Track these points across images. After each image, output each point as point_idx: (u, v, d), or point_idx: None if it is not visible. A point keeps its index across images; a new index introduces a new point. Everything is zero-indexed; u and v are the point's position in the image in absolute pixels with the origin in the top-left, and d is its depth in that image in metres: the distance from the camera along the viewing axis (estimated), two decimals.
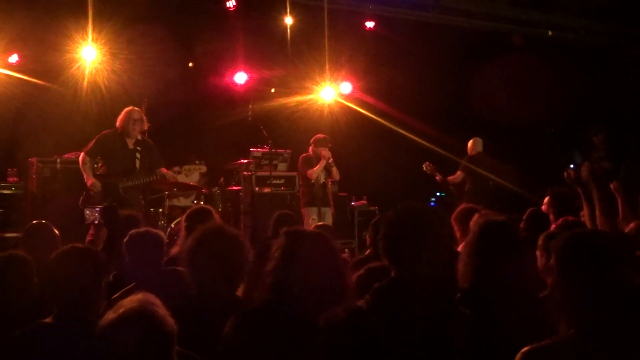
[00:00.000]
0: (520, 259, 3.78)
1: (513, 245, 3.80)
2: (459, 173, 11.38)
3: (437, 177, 11.40)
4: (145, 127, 8.88)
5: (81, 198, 8.45)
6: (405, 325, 3.06)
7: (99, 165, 8.84)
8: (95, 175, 8.54)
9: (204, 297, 3.64)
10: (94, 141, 8.67)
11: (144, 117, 8.84)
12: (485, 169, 11.24)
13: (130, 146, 8.71)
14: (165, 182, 9.03)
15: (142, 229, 5.07)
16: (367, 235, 6.21)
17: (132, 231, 4.98)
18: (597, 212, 5.26)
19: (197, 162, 10.02)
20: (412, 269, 3.30)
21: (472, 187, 11.22)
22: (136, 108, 8.83)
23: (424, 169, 11.48)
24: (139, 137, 8.81)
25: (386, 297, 3.25)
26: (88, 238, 7.64)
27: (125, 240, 4.90)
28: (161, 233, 5.13)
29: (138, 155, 8.69)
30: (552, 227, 5.34)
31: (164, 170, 8.78)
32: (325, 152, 10.15)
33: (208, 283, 3.63)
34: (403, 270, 3.33)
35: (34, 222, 5.69)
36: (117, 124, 8.72)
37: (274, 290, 3.19)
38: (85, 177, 8.50)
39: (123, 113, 8.73)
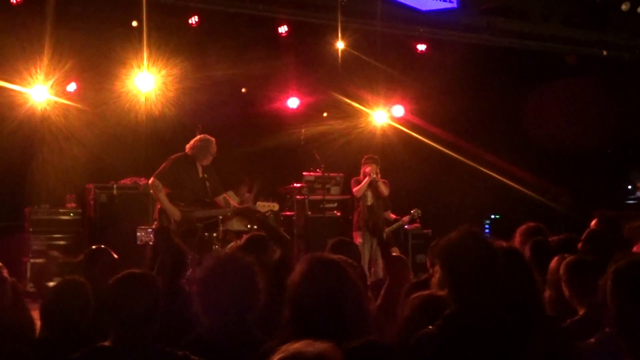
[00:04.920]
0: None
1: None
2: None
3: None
4: None
5: (155, 223, 8.22)
6: (478, 354, 2.93)
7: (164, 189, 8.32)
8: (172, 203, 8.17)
9: (214, 332, 3.43)
10: (166, 166, 8.35)
11: None
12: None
13: (200, 174, 8.43)
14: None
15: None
16: (427, 258, 6.13)
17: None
18: None
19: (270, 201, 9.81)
20: (482, 302, 3.04)
21: None
22: (213, 139, 8.52)
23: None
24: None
25: (458, 325, 3.01)
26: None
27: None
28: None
29: (207, 183, 8.42)
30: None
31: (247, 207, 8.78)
32: (369, 169, 9.92)
33: (219, 317, 3.44)
34: (471, 303, 3.05)
35: (94, 247, 5.74)
36: (190, 150, 8.43)
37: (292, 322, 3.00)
38: (161, 204, 8.17)
39: (200, 140, 8.43)
